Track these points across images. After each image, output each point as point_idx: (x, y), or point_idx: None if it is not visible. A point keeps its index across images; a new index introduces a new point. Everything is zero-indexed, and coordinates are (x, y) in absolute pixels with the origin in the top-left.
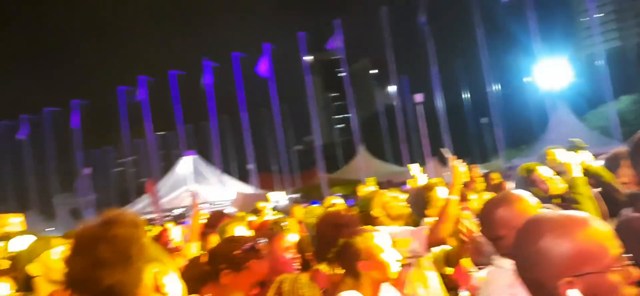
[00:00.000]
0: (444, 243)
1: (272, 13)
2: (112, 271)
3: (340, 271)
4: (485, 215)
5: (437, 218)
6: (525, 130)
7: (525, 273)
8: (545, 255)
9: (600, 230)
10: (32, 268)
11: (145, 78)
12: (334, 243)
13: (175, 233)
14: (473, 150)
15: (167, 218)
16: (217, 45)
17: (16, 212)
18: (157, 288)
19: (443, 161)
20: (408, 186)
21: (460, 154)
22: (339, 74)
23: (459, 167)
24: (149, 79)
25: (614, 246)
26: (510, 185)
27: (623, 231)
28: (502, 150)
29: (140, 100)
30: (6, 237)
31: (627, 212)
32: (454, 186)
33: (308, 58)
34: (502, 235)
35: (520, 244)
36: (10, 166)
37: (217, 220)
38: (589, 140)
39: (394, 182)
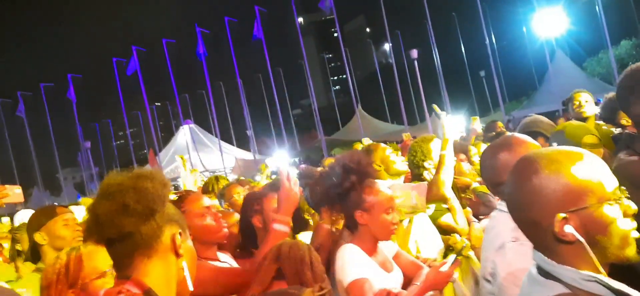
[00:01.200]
0: (443, 198)
1: None
2: (135, 221)
3: (339, 226)
4: (486, 160)
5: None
6: (524, 82)
7: (520, 213)
8: (540, 192)
9: (594, 163)
10: (38, 237)
11: (136, 48)
12: (341, 190)
13: None
14: (472, 103)
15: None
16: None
17: (23, 188)
18: (175, 249)
19: (437, 116)
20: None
21: (459, 108)
22: (334, 35)
23: (449, 122)
24: (140, 49)
25: (610, 180)
26: None
27: (619, 176)
28: (502, 102)
29: (135, 71)
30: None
31: (622, 155)
32: (445, 141)
33: (300, 20)
34: (504, 180)
35: (514, 183)
36: (12, 144)
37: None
38: (589, 88)
39: (394, 141)
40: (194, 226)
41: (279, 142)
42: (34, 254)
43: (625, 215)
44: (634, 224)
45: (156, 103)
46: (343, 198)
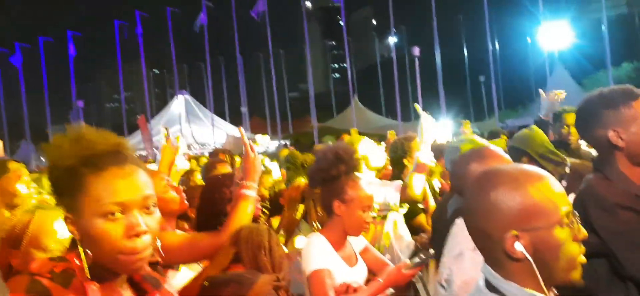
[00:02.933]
0: (416, 199)
1: None
2: None
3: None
4: (457, 168)
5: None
6: (522, 91)
7: (475, 224)
8: (496, 207)
9: (551, 186)
10: None
11: (140, 13)
12: (326, 175)
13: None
14: (468, 107)
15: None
16: None
17: (10, 140)
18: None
19: (416, 116)
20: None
21: (454, 111)
22: (339, 23)
23: (428, 124)
24: (144, 15)
25: (565, 203)
26: None
27: (585, 196)
28: (497, 109)
29: (136, 34)
30: None
31: (591, 176)
32: (422, 142)
33: (308, 4)
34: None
35: (473, 194)
36: (5, 94)
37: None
38: None
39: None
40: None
41: (273, 123)
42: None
43: (574, 239)
44: (582, 248)
45: (154, 70)
46: (326, 184)
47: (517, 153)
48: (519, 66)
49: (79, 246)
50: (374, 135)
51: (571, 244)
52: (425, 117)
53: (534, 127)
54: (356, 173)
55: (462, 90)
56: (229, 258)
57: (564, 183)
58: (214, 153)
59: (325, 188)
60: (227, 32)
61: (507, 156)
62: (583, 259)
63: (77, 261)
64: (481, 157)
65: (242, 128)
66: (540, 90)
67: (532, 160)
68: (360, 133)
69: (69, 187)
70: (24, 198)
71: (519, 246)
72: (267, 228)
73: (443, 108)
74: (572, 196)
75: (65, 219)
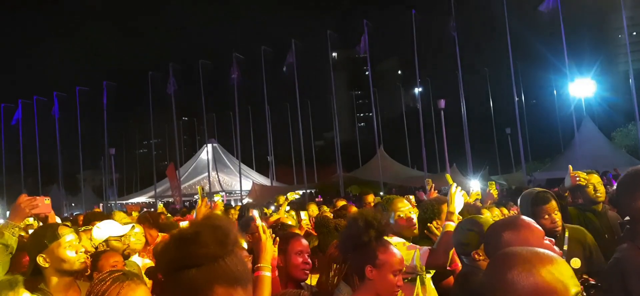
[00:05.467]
0: (443, 268)
1: (300, 10)
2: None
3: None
4: (491, 237)
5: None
6: (549, 144)
7: None
8: (511, 286)
9: (562, 268)
10: (41, 260)
11: (172, 66)
12: (358, 241)
13: None
14: (495, 159)
15: (186, 203)
16: (246, 40)
17: (42, 184)
18: None
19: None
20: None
21: (481, 162)
22: (365, 73)
23: (457, 196)
24: (176, 67)
25: (575, 285)
26: None
27: (624, 265)
28: (524, 161)
29: (169, 88)
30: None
31: (626, 246)
32: (449, 212)
33: (334, 54)
34: None
35: (490, 273)
36: (41, 141)
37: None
38: (615, 159)
39: (412, 187)
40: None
41: (298, 171)
42: (35, 273)
43: None
44: None
45: (183, 118)
46: (358, 250)
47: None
48: (546, 118)
49: None
50: (400, 185)
51: None
52: (454, 188)
53: None
54: (385, 239)
55: (488, 142)
56: None
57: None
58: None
59: (357, 253)
60: (257, 85)
61: (538, 227)
62: None
63: None
64: (515, 226)
65: (258, 223)
66: (570, 167)
67: None
68: (385, 184)
69: None
70: (74, 264)
71: None
72: (301, 293)
73: (469, 160)
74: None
75: None
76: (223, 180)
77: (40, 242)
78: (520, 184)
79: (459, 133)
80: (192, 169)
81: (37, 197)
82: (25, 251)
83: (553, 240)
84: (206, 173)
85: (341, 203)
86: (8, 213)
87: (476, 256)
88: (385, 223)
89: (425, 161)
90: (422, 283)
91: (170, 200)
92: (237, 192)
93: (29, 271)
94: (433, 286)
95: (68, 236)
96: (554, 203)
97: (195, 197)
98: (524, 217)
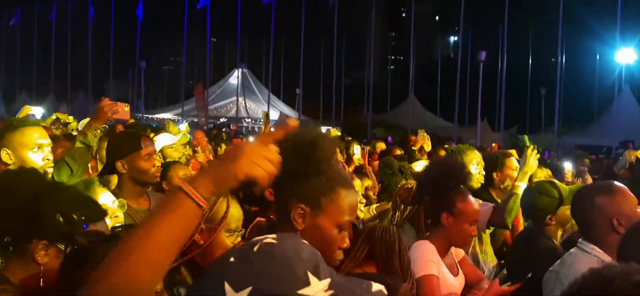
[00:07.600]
0: (506, 227)
1: None
2: None
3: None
4: (583, 199)
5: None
6: (582, 110)
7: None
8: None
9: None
10: (119, 166)
11: None
12: (437, 187)
13: None
14: (525, 117)
15: (211, 125)
16: None
17: (69, 90)
18: None
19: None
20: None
21: (511, 121)
22: (402, 15)
23: (533, 158)
24: None
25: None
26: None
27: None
28: (556, 125)
29: (201, 1)
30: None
31: None
32: (522, 173)
33: None
34: (594, 221)
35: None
36: (73, 43)
37: None
38: None
39: (439, 136)
40: None
41: (325, 107)
42: (107, 172)
43: None
44: None
45: (213, 39)
46: (436, 195)
47: None
48: (583, 84)
49: None
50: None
51: None
52: (531, 151)
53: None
54: (464, 188)
55: (521, 99)
56: (364, 254)
57: None
58: None
59: (435, 199)
60: (292, 13)
61: (631, 193)
62: None
63: None
64: (609, 190)
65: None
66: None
67: None
68: (412, 130)
69: None
70: (150, 175)
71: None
72: (397, 231)
73: (502, 117)
74: None
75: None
76: (249, 107)
77: (122, 150)
78: (548, 146)
79: (493, 87)
80: (220, 91)
81: (118, 103)
82: (105, 152)
83: None
84: (234, 98)
85: (381, 146)
86: (37, 109)
87: (548, 221)
88: (466, 172)
89: (456, 113)
90: (480, 239)
91: (195, 119)
92: (261, 119)
93: (104, 172)
94: (489, 242)
95: (149, 147)
96: None
97: (220, 119)
98: (618, 183)
